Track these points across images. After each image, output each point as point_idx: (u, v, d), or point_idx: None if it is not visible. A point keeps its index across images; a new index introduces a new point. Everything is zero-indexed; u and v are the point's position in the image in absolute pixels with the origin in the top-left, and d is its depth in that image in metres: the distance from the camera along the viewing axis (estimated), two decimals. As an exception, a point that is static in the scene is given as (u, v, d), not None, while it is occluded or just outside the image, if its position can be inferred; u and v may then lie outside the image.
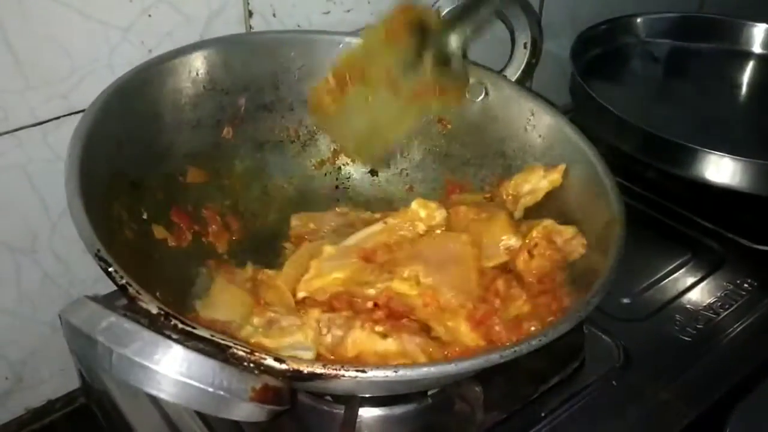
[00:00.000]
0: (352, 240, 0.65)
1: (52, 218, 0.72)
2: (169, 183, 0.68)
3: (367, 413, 0.62)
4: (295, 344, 0.54)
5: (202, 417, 0.62)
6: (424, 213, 0.67)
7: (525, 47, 0.75)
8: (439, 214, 0.67)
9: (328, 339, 0.56)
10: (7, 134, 0.66)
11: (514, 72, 0.75)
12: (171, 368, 0.41)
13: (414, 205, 0.67)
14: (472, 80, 0.75)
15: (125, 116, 0.63)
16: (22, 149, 0.68)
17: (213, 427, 0.61)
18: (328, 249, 0.64)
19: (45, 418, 0.80)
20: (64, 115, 0.69)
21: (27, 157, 0.68)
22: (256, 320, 0.58)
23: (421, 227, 0.66)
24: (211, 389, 0.41)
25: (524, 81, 0.75)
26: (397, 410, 0.63)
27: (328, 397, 0.63)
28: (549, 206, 0.69)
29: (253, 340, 0.54)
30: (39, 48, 0.65)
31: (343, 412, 0.59)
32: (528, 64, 0.75)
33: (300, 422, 0.62)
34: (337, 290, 0.61)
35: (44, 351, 0.77)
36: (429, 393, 0.64)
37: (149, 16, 0.70)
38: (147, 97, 0.66)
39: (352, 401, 0.59)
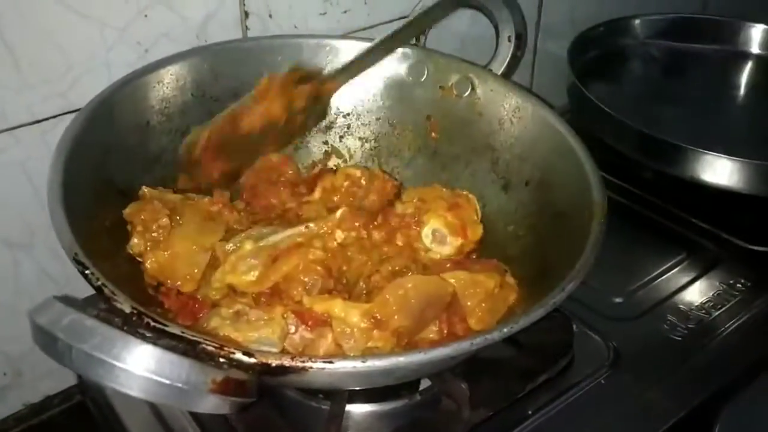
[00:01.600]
0: (271, 240, 0.64)
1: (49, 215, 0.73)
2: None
3: (355, 409, 0.62)
4: (262, 339, 0.55)
5: (194, 414, 0.63)
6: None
7: (509, 40, 0.75)
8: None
9: (296, 339, 0.56)
10: (6, 132, 0.68)
11: (499, 66, 0.75)
12: (128, 362, 0.41)
13: (339, 214, 0.67)
14: (458, 76, 0.76)
15: (112, 126, 0.64)
16: (21, 147, 0.69)
17: (204, 425, 0.62)
18: (248, 246, 0.62)
19: (43, 413, 0.81)
20: (62, 114, 0.70)
21: (25, 154, 0.69)
22: (224, 311, 0.58)
23: (340, 236, 0.65)
24: (168, 381, 0.41)
25: (510, 74, 0.76)
26: (386, 406, 0.63)
27: (320, 395, 0.63)
28: (535, 198, 0.69)
29: (222, 333, 0.55)
30: (36, 47, 0.66)
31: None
32: (513, 57, 0.75)
33: (288, 418, 0.63)
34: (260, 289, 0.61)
35: (42, 346, 0.78)
36: (420, 389, 0.64)
37: (145, 16, 0.71)
38: (134, 107, 0.67)
39: (338, 396, 0.60)
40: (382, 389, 0.63)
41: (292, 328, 0.57)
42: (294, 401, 0.63)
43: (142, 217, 0.62)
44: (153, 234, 0.62)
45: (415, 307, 0.58)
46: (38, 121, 0.69)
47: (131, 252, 0.62)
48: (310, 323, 0.57)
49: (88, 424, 0.75)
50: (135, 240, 0.62)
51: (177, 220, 0.64)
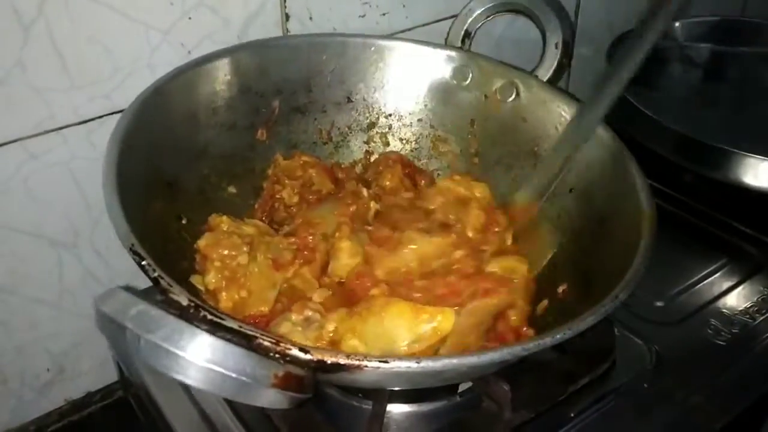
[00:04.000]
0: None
1: (93, 215, 0.74)
2: (204, 183, 0.70)
3: (395, 409, 0.62)
4: None
5: (235, 410, 0.63)
6: None
7: (556, 47, 0.74)
8: None
9: None
10: (53, 132, 0.69)
11: (545, 72, 0.75)
12: (195, 354, 0.41)
13: None
14: (502, 81, 0.75)
15: (162, 118, 0.65)
16: (67, 147, 0.70)
17: (245, 420, 0.62)
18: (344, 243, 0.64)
19: (84, 409, 0.82)
20: (107, 114, 0.71)
21: (71, 154, 0.71)
22: (294, 316, 0.58)
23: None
24: (234, 375, 0.42)
25: (556, 81, 0.75)
26: (426, 407, 0.63)
27: (360, 394, 0.63)
28: (579, 205, 0.69)
29: (293, 338, 0.54)
30: (84, 49, 0.67)
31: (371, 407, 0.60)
32: (560, 63, 0.74)
33: (329, 417, 0.63)
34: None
35: (85, 344, 0.79)
36: (459, 390, 0.64)
37: (189, 18, 0.72)
38: (183, 100, 0.68)
39: (380, 396, 0.60)
40: (422, 390, 0.63)
41: None
42: (334, 400, 0.63)
43: (221, 251, 0.62)
44: (228, 271, 0.61)
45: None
46: (84, 122, 0.70)
47: (204, 287, 0.61)
48: None
49: (129, 420, 0.77)
50: (212, 277, 0.60)
51: (253, 257, 0.62)
